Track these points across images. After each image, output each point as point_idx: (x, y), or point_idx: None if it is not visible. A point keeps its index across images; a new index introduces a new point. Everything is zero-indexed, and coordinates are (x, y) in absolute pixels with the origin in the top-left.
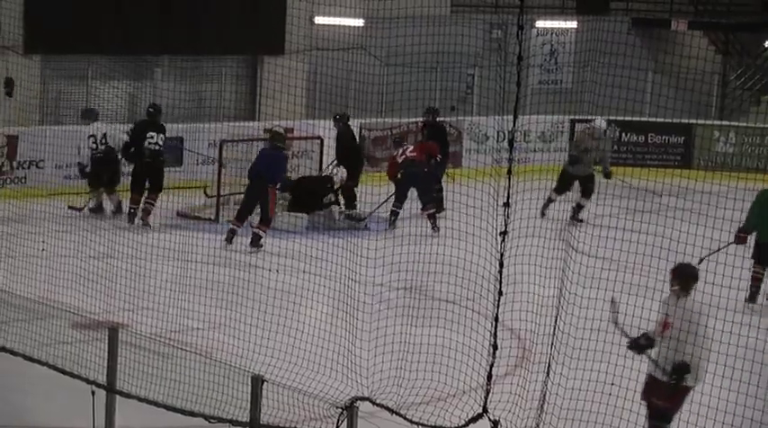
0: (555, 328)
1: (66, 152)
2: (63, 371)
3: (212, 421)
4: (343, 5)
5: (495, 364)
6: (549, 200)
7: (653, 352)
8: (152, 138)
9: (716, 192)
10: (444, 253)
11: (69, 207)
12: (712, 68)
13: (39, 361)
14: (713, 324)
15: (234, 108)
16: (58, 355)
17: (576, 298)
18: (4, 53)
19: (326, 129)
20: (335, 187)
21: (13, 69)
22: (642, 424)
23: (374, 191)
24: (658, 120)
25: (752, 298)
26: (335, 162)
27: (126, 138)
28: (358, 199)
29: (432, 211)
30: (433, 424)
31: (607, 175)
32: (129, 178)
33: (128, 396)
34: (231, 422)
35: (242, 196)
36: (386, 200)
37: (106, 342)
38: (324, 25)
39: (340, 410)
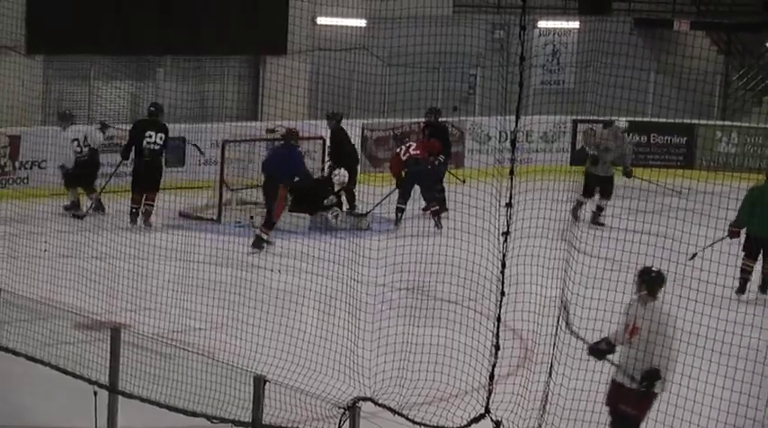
0: (557, 328)
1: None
2: (65, 372)
3: (214, 421)
4: (345, 6)
5: (497, 364)
6: (579, 204)
7: (616, 358)
8: (150, 137)
9: (718, 193)
10: (447, 253)
11: (73, 214)
12: (714, 69)
13: (41, 362)
14: (715, 324)
15: (236, 108)
16: (61, 355)
17: (578, 298)
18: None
19: (329, 130)
20: (337, 189)
21: (16, 69)
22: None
23: (376, 191)
24: (661, 120)
25: (741, 289)
26: (330, 162)
27: (101, 136)
28: (357, 199)
29: (435, 208)
30: (435, 425)
31: (628, 174)
32: (130, 178)
33: (130, 396)
34: (233, 422)
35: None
36: (385, 198)
37: (108, 342)
38: (326, 25)
39: (342, 410)
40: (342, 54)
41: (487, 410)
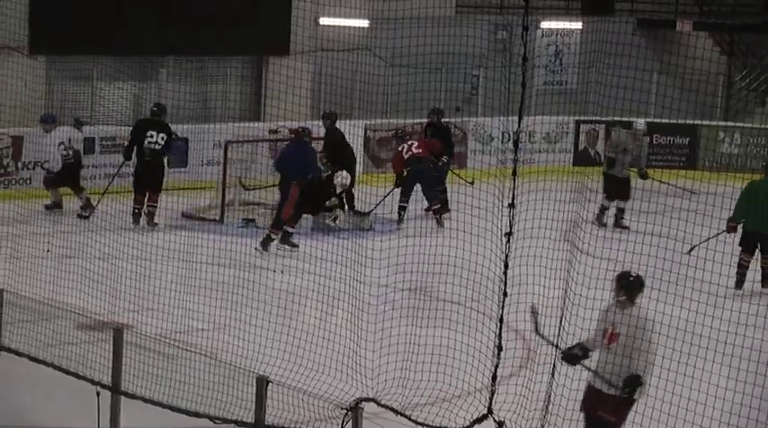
0: (560, 329)
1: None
2: (68, 372)
3: (217, 421)
4: (348, 6)
5: (499, 365)
6: (603, 209)
7: (592, 363)
8: (151, 137)
9: (721, 193)
10: (449, 254)
11: (79, 214)
12: (717, 69)
13: (44, 362)
14: (718, 324)
15: (239, 109)
16: (64, 356)
17: (580, 299)
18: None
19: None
20: (338, 191)
21: (19, 70)
22: None
23: (379, 192)
24: (663, 120)
25: (739, 284)
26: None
27: (80, 135)
28: (359, 199)
29: (437, 207)
30: (437, 425)
31: (643, 176)
32: (131, 178)
33: (132, 396)
34: (236, 422)
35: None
36: (385, 197)
37: (111, 343)
38: (329, 26)
39: (345, 411)
40: (344, 54)
41: (490, 411)
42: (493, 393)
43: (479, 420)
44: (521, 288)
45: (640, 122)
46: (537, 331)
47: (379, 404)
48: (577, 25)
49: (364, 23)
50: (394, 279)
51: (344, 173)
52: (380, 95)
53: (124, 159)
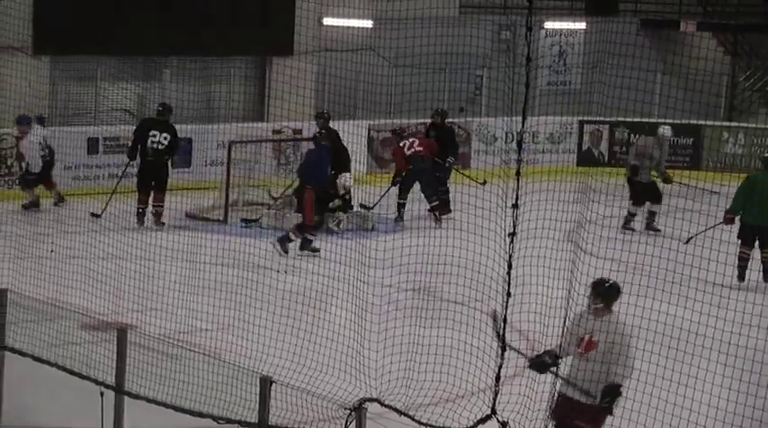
0: (563, 329)
1: (75, 153)
2: (72, 372)
3: (221, 422)
4: (351, 6)
5: (503, 365)
6: (631, 215)
7: (564, 371)
8: (155, 136)
9: (725, 193)
10: (453, 254)
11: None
12: (721, 69)
13: (48, 362)
14: (722, 325)
15: (242, 109)
16: (67, 356)
17: (584, 299)
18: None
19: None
20: (341, 193)
21: (22, 70)
22: None
23: (383, 192)
24: (667, 121)
25: (740, 276)
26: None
27: (44, 130)
28: (360, 199)
29: (435, 204)
30: (441, 426)
31: (667, 180)
32: (135, 178)
33: (136, 397)
34: (240, 423)
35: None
36: (384, 195)
37: (115, 343)
38: (332, 26)
39: (348, 411)
40: (348, 55)
41: (494, 411)
42: (497, 393)
43: (483, 420)
44: (524, 288)
45: (666, 128)
46: (499, 338)
47: (382, 404)
48: (581, 25)
49: (368, 24)
50: (397, 279)
51: (347, 174)
52: (384, 96)
53: (128, 159)
